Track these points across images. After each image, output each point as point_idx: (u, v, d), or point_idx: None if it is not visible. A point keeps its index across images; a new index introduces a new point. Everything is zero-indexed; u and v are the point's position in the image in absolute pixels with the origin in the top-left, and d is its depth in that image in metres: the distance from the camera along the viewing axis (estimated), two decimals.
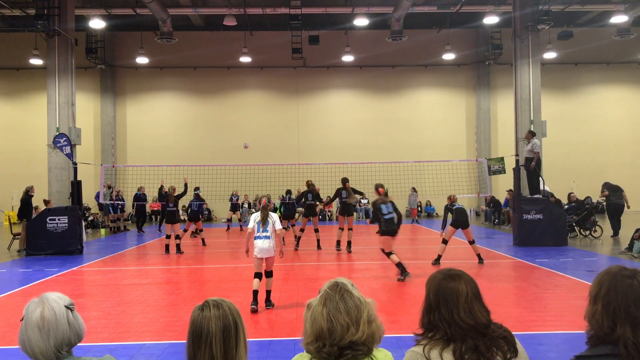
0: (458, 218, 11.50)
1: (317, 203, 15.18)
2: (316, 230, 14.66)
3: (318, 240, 14.49)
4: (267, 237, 7.58)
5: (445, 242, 11.61)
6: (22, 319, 1.99)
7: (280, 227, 7.74)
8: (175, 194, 14.59)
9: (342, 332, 1.88)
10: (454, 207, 11.57)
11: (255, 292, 7.63)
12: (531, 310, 7.49)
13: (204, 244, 15.88)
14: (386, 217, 10.08)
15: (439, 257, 11.59)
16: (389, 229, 10.05)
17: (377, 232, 10.29)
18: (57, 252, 13.98)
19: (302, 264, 12.26)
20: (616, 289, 1.86)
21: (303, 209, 15.13)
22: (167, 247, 14.17)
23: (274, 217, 7.75)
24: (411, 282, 9.73)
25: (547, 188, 15.66)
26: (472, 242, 11.66)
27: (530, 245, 14.13)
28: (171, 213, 14.20)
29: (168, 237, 14.22)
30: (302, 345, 1.97)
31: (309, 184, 15.15)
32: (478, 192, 22.38)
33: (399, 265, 9.86)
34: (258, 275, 7.70)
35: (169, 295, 8.91)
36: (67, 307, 2.00)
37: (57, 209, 14.52)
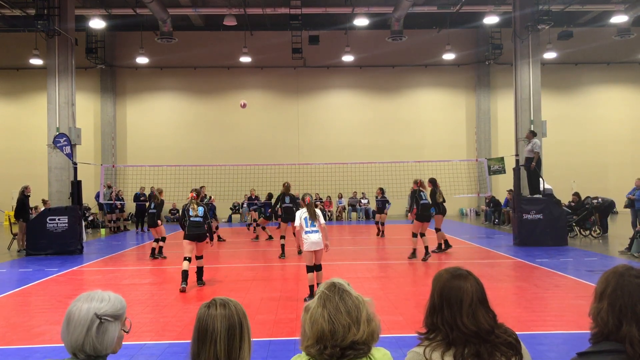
0: (423, 212, 12.17)
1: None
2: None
3: (283, 247, 13.13)
4: (316, 231, 8.11)
5: (416, 235, 12.22)
6: None
7: (324, 222, 8.33)
8: (160, 200, 13.64)
9: (344, 332, 1.88)
10: (422, 202, 12.17)
11: (311, 287, 8.22)
12: (531, 310, 7.49)
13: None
14: (422, 202, 12.06)
15: (414, 250, 12.26)
16: (423, 213, 12.04)
17: (415, 218, 12.18)
18: (57, 252, 13.98)
19: (302, 263, 12.24)
20: (623, 288, 1.85)
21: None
22: (153, 250, 13.37)
23: (319, 212, 8.32)
24: (411, 282, 9.73)
25: (548, 186, 15.68)
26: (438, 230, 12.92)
27: (530, 245, 14.13)
28: (151, 216, 13.47)
29: (156, 240, 13.39)
30: (301, 349, 1.96)
31: (286, 186, 13.88)
32: (478, 192, 22.38)
33: (414, 251, 12.03)
34: (311, 269, 8.22)
35: (169, 295, 8.91)
36: (98, 315, 1.88)
37: (57, 209, 14.52)
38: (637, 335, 1.77)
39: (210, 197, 17.33)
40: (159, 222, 13.52)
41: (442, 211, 13.25)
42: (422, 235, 12.23)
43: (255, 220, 17.99)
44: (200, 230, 9.52)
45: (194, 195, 9.86)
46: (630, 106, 27.57)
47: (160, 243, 13.38)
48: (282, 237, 13.22)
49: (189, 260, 9.43)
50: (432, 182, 13.20)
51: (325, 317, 1.90)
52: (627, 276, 1.88)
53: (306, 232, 8.11)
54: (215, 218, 17.49)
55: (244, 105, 15.60)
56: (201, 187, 17.84)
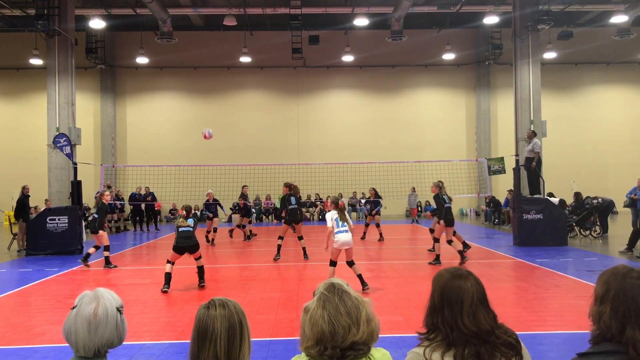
0: (447, 216, 11.44)
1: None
2: (300, 238, 12.78)
3: (304, 249, 12.66)
4: (346, 231, 8.70)
5: (438, 240, 11.65)
6: (73, 308, 1.99)
7: (352, 223, 9.00)
8: (100, 204, 12.23)
9: (344, 333, 1.88)
10: (446, 205, 11.48)
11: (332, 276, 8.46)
12: (531, 310, 7.49)
13: (212, 243, 16.03)
14: (447, 205, 11.48)
15: (438, 256, 11.54)
16: (447, 217, 11.37)
17: (439, 221, 11.62)
18: (57, 252, 13.98)
19: (302, 263, 12.25)
20: (625, 292, 1.83)
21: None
22: (87, 255, 12.09)
23: (347, 215, 8.98)
24: (411, 282, 9.73)
25: (554, 199, 15.62)
26: (450, 242, 11.69)
27: (530, 245, 14.13)
28: (92, 221, 12.16)
29: (96, 247, 12.10)
30: (300, 350, 1.96)
31: (291, 187, 13.22)
32: (478, 192, 22.38)
33: (437, 257, 11.43)
34: (334, 264, 8.85)
35: (169, 295, 8.91)
36: (118, 309, 2.01)
37: (57, 209, 14.53)
38: None
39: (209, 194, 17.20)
40: (103, 228, 12.27)
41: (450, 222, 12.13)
42: (450, 242, 11.49)
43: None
44: (190, 241, 9.42)
45: (183, 212, 9.82)
46: (630, 106, 27.57)
47: (105, 253, 12.01)
48: (281, 237, 12.69)
49: (173, 263, 9.41)
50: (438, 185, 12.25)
51: (325, 318, 1.89)
52: (629, 278, 1.85)
53: (338, 232, 8.71)
54: (248, 215, 17.47)
55: (208, 136, 14.68)
56: (243, 187, 18.02)
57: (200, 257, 9.63)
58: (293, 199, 12.90)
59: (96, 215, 12.05)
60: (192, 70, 27.13)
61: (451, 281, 1.99)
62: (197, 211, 10.43)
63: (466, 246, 12.90)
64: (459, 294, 1.95)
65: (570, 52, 25.94)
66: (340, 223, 8.75)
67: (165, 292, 9.06)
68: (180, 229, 9.48)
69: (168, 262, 9.41)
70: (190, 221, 9.62)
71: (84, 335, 1.93)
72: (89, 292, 2.02)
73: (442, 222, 11.50)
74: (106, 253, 12.04)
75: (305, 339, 1.93)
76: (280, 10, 21.85)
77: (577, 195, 17.49)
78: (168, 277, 9.23)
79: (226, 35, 25.66)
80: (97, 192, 12.70)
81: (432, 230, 12.78)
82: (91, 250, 11.97)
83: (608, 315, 1.82)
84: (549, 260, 11.84)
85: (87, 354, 1.94)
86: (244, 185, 18.20)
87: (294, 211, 12.74)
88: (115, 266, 12.03)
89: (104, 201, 12.26)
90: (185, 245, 9.38)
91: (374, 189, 17.69)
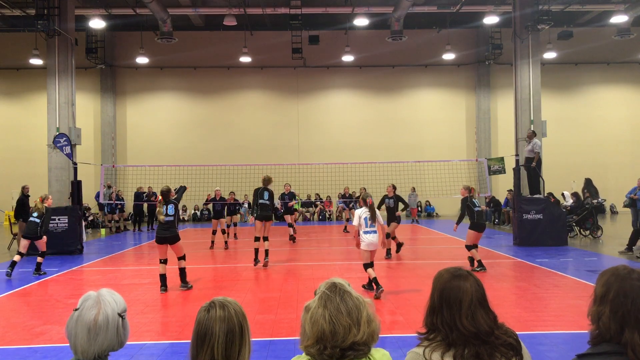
0: (479, 221, 10.67)
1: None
2: (265, 239, 11.54)
3: (266, 251, 11.57)
4: (374, 232, 8.42)
5: (471, 248, 10.68)
6: (76, 310, 1.98)
7: (383, 222, 8.77)
8: (45, 209, 11.32)
9: (345, 333, 1.88)
10: (476, 209, 10.67)
11: (374, 279, 8.40)
12: (531, 310, 7.49)
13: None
14: (476, 209, 10.77)
15: (480, 262, 10.61)
16: (479, 222, 10.77)
17: (469, 228, 10.90)
18: (57, 252, 13.97)
19: (302, 263, 12.25)
20: (626, 294, 1.82)
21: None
22: (38, 265, 11.27)
23: (378, 213, 8.67)
24: (411, 283, 9.73)
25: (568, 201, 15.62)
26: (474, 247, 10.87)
27: (530, 245, 14.14)
28: (33, 225, 11.29)
29: (43, 255, 11.40)
30: (300, 348, 1.96)
31: (266, 179, 11.86)
32: (478, 192, 22.37)
33: (480, 262, 10.64)
34: (370, 265, 8.51)
35: (169, 295, 8.91)
36: (120, 314, 2.00)
37: (57, 209, 14.51)
38: (639, 342, 1.76)
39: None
40: (44, 235, 11.40)
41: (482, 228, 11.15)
42: (473, 247, 10.78)
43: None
44: (169, 232, 9.16)
45: (160, 198, 9.44)
46: (630, 106, 27.56)
47: (40, 259, 11.24)
48: (257, 238, 11.42)
49: (165, 262, 9.28)
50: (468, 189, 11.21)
51: (326, 318, 1.89)
52: (629, 280, 1.84)
53: (365, 232, 8.38)
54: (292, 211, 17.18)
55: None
56: (285, 185, 17.54)
57: (183, 257, 9.36)
58: (266, 194, 11.56)
59: (38, 220, 11.19)
60: (192, 70, 27.13)
61: (450, 281, 1.99)
62: (175, 198, 9.56)
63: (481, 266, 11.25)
64: (458, 294, 1.95)
65: (570, 52, 25.95)
66: (369, 223, 8.39)
67: (164, 292, 9.07)
68: (160, 221, 9.25)
69: (160, 261, 9.27)
70: (170, 209, 9.22)
71: (83, 340, 1.93)
72: (93, 294, 2.01)
73: (470, 230, 10.74)
74: (40, 259, 11.19)
75: (305, 338, 1.94)
76: (280, 10, 21.84)
77: (577, 195, 17.53)
78: (162, 278, 9.17)
79: (226, 35, 25.65)
80: (39, 196, 11.65)
81: (470, 247, 10.86)
82: (40, 259, 11.23)
83: (607, 316, 1.82)
84: (549, 260, 11.84)
85: (86, 358, 1.94)
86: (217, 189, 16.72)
87: (264, 206, 11.48)
88: (45, 272, 11.09)
89: (46, 205, 11.40)
90: (163, 236, 9.15)
91: (364, 188, 17.61)
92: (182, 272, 9.37)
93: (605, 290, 1.87)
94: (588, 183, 18.56)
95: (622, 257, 12.28)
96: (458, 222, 11.07)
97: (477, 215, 10.74)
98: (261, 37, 25.73)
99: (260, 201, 11.48)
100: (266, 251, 11.43)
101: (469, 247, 10.80)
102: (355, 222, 8.47)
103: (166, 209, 9.23)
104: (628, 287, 1.83)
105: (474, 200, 10.91)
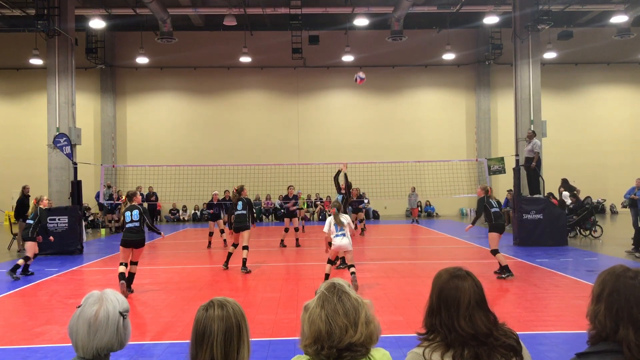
0: (497, 222, 10.11)
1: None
2: (244, 247, 11.18)
3: (244, 260, 11.09)
4: (343, 235, 8.98)
5: (496, 252, 10.03)
6: (79, 307, 1.99)
7: (349, 220, 9.33)
8: (38, 210, 11.09)
9: (341, 334, 1.88)
10: (492, 211, 10.14)
11: (326, 275, 9.05)
12: (531, 310, 7.49)
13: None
14: (493, 210, 10.25)
15: (506, 267, 9.92)
16: (497, 222, 10.17)
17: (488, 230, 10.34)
18: (57, 252, 13.97)
19: (302, 263, 12.25)
20: (619, 291, 1.83)
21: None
22: (25, 267, 10.92)
23: (346, 216, 9.34)
24: (411, 283, 9.73)
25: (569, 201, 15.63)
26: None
27: (530, 245, 14.14)
28: (26, 227, 11.07)
29: (28, 258, 10.89)
30: (299, 347, 1.97)
31: (237, 190, 11.84)
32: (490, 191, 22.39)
33: (507, 267, 9.92)
34: (330, 262, 9.27)
35: (169, 295, 8.91)
36: (121, 313, 2.00)
37: (57, 209, 14.52)
38: (633, 339, 1.76)
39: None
40: (35, 237, 11.01)
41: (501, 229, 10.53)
42: (496, 251, 10.10)
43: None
44: (138, 236, 8.94)
45: (125, 199, 9.27)
46: (630, 106, 27.58)
47: (21, 261, 10.76)
48: (234, 245, 11.52)
49: (126, 265, 9.03)
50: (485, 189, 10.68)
51: (322, 318, 1.90)
52: (624, 278, 1.86)
53: (335, 236, 9.04)
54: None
55: (360, 80, 15.25)
56: (289, 187, 17.19)
57: (136, 263, 9.11)
58: (240, 204, 11.47)
59: (31, 222, 10.96)
60: (192, 70, 27.14)
61: (449, 282, 2.00)
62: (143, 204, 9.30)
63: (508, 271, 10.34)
64: (456, 294, 1.95)
65: (570, 52, 25.95)
66: (338, 228, 9.04)
67: (127, 291, 8.77)
68: (127, 225, 8.96)
69: (121, 264, 8.93)
70: (136, 214, 8.95)
71: (83, 337, 1.93)
72: (96, 292, 2.02)
73: (492, 233, 10.17)
74: (21, 262, 10.74)
75: (304, 337, 1.95)
76: (280, 10, 21.85)
77: (574, 195, 17.55)
78: (122, 276, 8.80)
79: (226, 35, 25.66)
80: (34, 198, 11.51)
81: (495, 251, 10.13)
82: (27, 262, 10.86)
83: (603, 314, 1.83)
84: (549, 260, 11.84)
85: (86, 355, 1.94)
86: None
87: (240, 217, 11.34)
88: (19, 278, 10.48)
89: (41, 206, 11.15)
90: (130, 239, 8.90)
91: (357, 189, 17.66)
92: (132, 277, 9.09)
93: (601, 288, 1.89)
94: (564, 182, 18.74)
95: (629, 257, 12.24)
96: (473, 223, 10.62)
97: (494, 216, 10.16)
98: (261, 37, 25.73)
99: (236, 212, 11.42)
100: (244, 260, 11.06)
101: (494, 252, 10.06)
102: (325, 228, 9.21)
103: (131, 214, 8.99)
104: (622, 284, 1.84)
105: (491, 200, 10.36)
